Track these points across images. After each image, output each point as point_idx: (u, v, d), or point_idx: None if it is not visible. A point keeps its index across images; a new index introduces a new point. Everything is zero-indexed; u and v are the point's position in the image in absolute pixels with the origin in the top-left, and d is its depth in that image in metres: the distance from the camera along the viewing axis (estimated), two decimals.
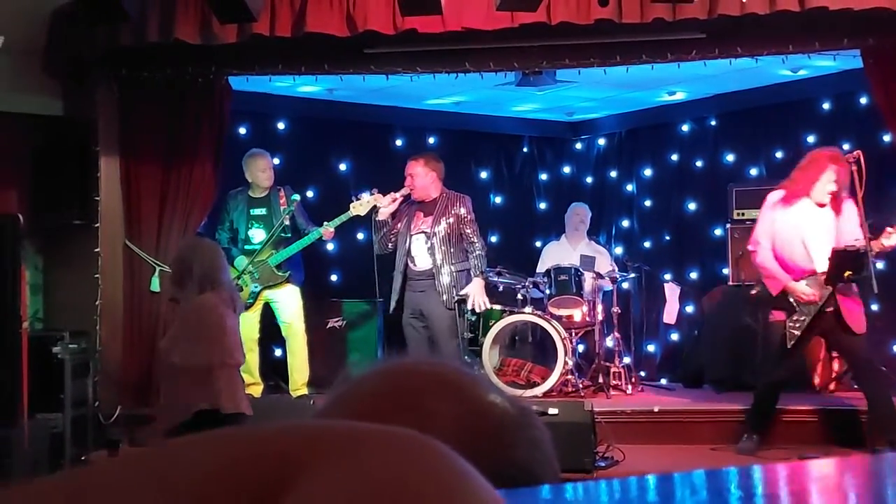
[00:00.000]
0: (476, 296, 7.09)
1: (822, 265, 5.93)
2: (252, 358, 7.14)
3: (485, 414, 0.69)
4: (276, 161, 8.76)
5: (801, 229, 6.01)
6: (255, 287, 7.35)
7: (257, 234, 7.51)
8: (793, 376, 6.53)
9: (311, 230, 7.37)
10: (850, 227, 5.98)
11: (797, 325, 5.97)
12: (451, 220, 7.13)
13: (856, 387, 7.41)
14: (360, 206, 7.25)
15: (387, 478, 0.52)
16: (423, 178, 7.17)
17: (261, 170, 7.57)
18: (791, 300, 5.99)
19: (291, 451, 0.55)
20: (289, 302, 7.49)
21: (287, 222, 7.41)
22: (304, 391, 7.42)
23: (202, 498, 0.55)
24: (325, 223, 7.34)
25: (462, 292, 7.06)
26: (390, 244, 7.22)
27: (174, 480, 0.56)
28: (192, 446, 0.61)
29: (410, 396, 0.69)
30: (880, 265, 7.71)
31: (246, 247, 7.46)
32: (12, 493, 0.59)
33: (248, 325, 7.05)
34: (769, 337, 6.25)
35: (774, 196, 6.18)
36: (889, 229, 5.91)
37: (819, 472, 0.81)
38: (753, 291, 6.39)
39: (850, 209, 6.01)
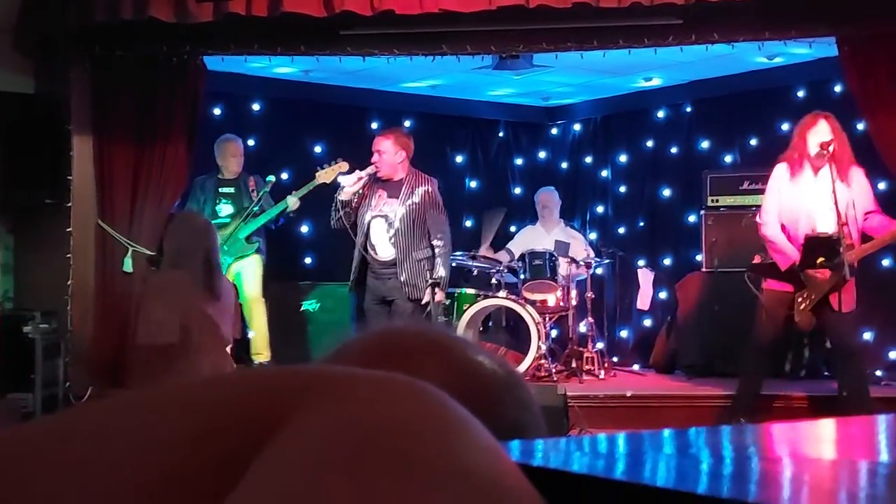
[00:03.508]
0: (431, 304, 6.60)
1: None
2: None
3: (473, 375, 0.68)
4: (251, 143, 8.75)
5: (806, 203, 5.99)
6: (228, 259, 7.34)
7: (225, 209, 7.62)
8: (785, 351, 6.50)
9: (275, 206, 7.49)
10: (860, 197, 5.95)
11: (806, 301, 5.94)
12: (416, 202, 6.68)
13: (827, 373, 7.49)
14: (324, 174, 7.26)
15: (380, 418, 0.51)
16: (392, 155, 6.72)
17: (232, 154, 7.68)
18: (801, 277, 5.94)
19: (285, 392, 0.54)
20: (252, 272, 7.51)
21: (260, 203, 7.47)
22: (266, 356, 7.41)
23: (194, 438, 0.54)
24: (293, 193, 7.42)
25: (425, 300, 6.61)
26: (348, 222, 6.79)
27: (166, 421, 0.56)
28: (185, 388, 0.60)
29: (399, 357, 0.68)
30: (887, 262, 7.81)
31: (214, 221, 7.45)
32: (1, 437, 0.58)
33: None
34: (764, 308, 6.17)
35: (780, 169, 6.13)
36: None
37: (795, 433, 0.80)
38: (756, 261, 6.33)
39: (859, 176, 6.01)
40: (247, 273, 7.52)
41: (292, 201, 7.44)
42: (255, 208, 7.51)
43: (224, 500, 0.48)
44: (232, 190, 7.66)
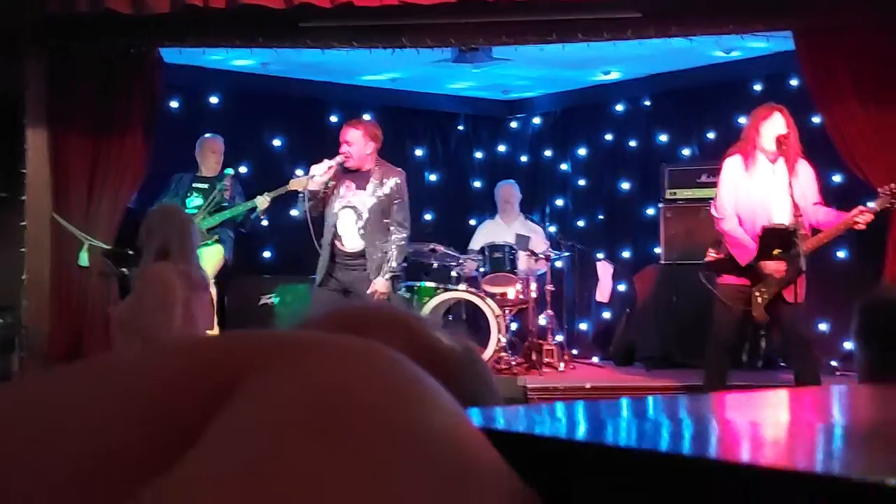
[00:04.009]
0: (377, 293, 6.49)
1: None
2: None
3: (433, 349, 0.68)
4: (209, 136, 8.67)
5: (763, 195, 6.00)
6: None
7: (195, 202, 7.58)
8: (742, 342, 6.55)
9: (243, 203, 7.43)
10: (807, 189, 5.99)
11: (764, 295, 5.97)
12: (385, 194, 6.61)
13: (783, 364, 7.57)
14: (297, 182, 7.18)
15: (341, 378, 0.50)
16: (362, 146, 6.62)
17: (211, 150, 7.74)
18: (759, 271, 5.95)
19: (238, 356, 0.53)
20: (208, 259, 7.28)
21: (226, 196, 7.42)
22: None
23: (147, 405, 0.53)
24: (264, 193, 7.35)
25: (368, 291, 6.50)
26: (316, 213, 6.68)
27: (119, 389, 0.55)
28: (137, 357, 0.60)
29: (360, 331, 0.67)
30: (842, 253, 7.88)
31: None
32: None
33: None
34: (721, 302, 6.18)
35: (733, 162, 6.11)
36: (861, 207, 5.97)
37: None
38: (710, 257, 6.30)
39: (806, 169, 6.04)
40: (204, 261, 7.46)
41: (262, 201, 7.39)
42: (222, 202, 7.44)
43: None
44: (206, 186, 7.66)
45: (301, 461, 0.44)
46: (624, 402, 0.68)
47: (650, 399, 0.74)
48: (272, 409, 0.48)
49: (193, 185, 7.66)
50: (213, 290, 6.95)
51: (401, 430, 0.47)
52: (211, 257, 7.44)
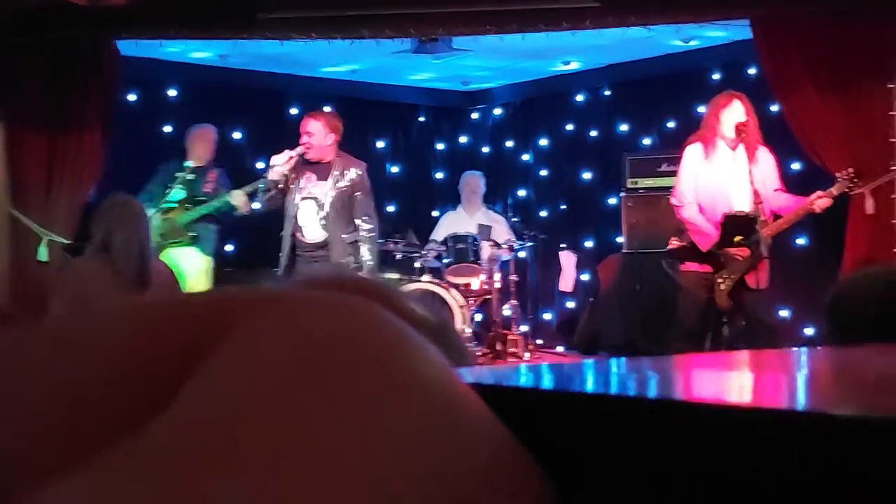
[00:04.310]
0: None
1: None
2: None
3: (409, 317, 0.67)
4: (168, 129, 8.61)
5: (723, 182, 6.04)
6: (162, 244, 7.19)
7: (178, 195, 7.36)
8: (706, 330, 6.59)
9: (220, 197, 7.28)
10: (768, 176, 6.03)
11: (727, 281, 6.01)
12: (346, 185, 6.60)
13: (746, 350, 7.63)
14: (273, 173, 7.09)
15: (327, 326, 0.49)
16: (322, 137, 6.63)
17: (198, 139, 7.53)
18: (720, 258, 5.99)
19: (224, 307, 0.52)
20: (190, 267, 7.26)
21: (206, 190, 7.30)
22: None
23: (123, 358, 0.51)
24: (239, 190, 7.23)
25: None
26: (276, 205, 6.73)
27: (94, 343, 0.53)
28: (113, 311, 0.58)
29: None
30: (802, 240, 7.95)
31: (162, 205, 7.29)
32: None
33: None
34: (684, 290, 6.21)
35: (693, 150, 6.15)
36: (820, 192, 6.02)
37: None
38: (672, 245, 6.32)
39: (766, 156, 6.08)
40: (183, 266, 7.26)
41: (238, 197, 7.19)
42: (200, 195, 7.32)
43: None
44: (191, 177, 7.39)
45: (291, 406, 0.44)
46: (592, 362, 0.68)
47: (616, 359, 0.75)
48: (261, 356, 0.47)
49: (177, 175, 7.40)
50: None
51: (391, 375, 0.47)
52: (191, 263, 7.32)
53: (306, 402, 0.44)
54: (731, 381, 0.58)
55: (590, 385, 0.56)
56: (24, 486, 0.42)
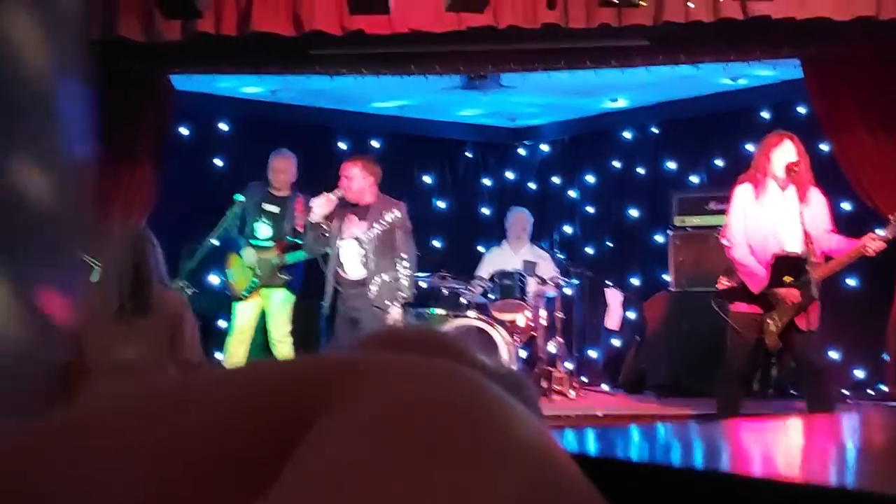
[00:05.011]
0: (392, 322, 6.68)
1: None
2: (241, 352, 7.26)
3: (486, 371, 0.67)
4: (219, 162, 8.71)
5: (774, 223, 5.97)
6: (255, 282, 7.27)
7: (262, 229, 7.40)
8: (754, 371, 6.51)
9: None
10: (819, 216, 5.97)
11: (777, 322, 5.94)
12: (385, 225, 6.76)
13: (793, 392, 7.54)
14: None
15: (429, 395, 0.50)
16: (360, 181, 6.83)
17: (274, 169, 7.51)
18: (771, 298, 5.93)
19: (322, 379, 0.53)
20: (280, 311, 7.35)
21: (297, 226, 7.31)
22: None
23: (233, 425, 0.53)
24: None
25: (391, 319, 6.66)
26: (323, 247, 6.92)
27: (204, 410, 0.54)
28: (219, 377, 0.59)
29: (409, 354, 0.67)
30: (852, 281, 7.86)
31: (251, 241, 7.34)
32: (9, 432, 0.56)
33: (246, 317, 7.28)
34: (733, 330, 6.13)
35: (744, 189, 6.09)
36: (873, 234, 5.94)
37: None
38: (722, 285, 6.25)
39: (817, 196, 6.02)
40: (274, 311, 7.36)
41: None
42: (294, 234, 7.33)
43: (268, 486, 0.47)
44: (276, 210, 7.41)
45: (395, 478, 0.44)
46: (660, 427, 0.68)
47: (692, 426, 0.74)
48: (365, 428, 0.48)
49: (263, 206, 7.38)
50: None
51: (496, 443, 0.47)
52: (278, 298, 7.36)
53: (410, 474, 0.44)
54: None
55: (698, 460, 0.56)
56: None
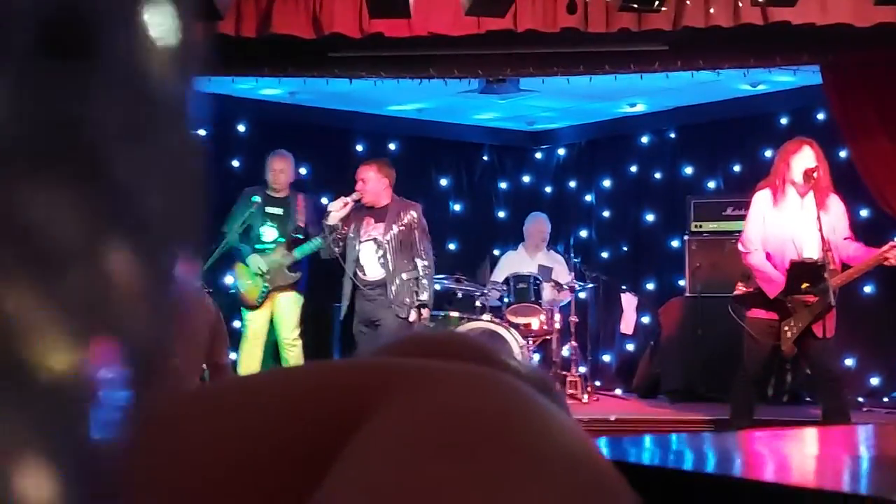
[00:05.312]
0: (417, 324, 6.81)
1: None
2: (257, 355, 7.32)
3: (517, 375, 0.68)
4: (236, 164, 8.74)
5: (792, 229, 5.96)
6: (266, 288, 7.29)
7: (269, 233, 7.39)
8: (769, 377, 6.49)
9: (316, 238, 7.26)
10: (838, 224, 5.95)
11: (793, 329, 5.92)
12: (403, 226, 6.87)
13: (808, 398, 7.51)
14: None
15: (473, 402, 0.51)
16: (376, 183, 6.91)
17: (273, 170, 7.51)
18: (788, 305, 5.92)
19: (366, 384, 0.54)
20: (290, 313, 7.39)
21: (298, 221, 7.35)
22: None
23: (274, 430, 0.53)
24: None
25: (411, 319, 6.79)
26: (338, 248, 6.96)
27: (243, 415, 0.55)
28: (260, 381, 0.60)
29: (441, 358, 0.68)
30: (869, 288, 7.83)
31: (257, 245, 7.35)
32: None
33: (258, 323, 7.31)
34: (749, 336, 6.12)
35: (762, 195, 6.09)
36: (893, 243, 5.91)
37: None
38: (739, 290, 6.24)
39: (836, 203, 6.00)
40: (284, 314, 7.38)
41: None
42: (297, 231, 7.36)
43: (312, 492, 0.48)
44: (279, 211, 7.42)
45: (441, 488, 0.45)
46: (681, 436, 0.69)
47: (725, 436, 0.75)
48: (409, 436, 0.48)
49: (266, 209, 7.38)
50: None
51: (541, 451, 0.48)
52: (292, 313, 7.40)
53: (455, 484, 0.45)
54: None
55: (739, 468, 0.56)
56: None
